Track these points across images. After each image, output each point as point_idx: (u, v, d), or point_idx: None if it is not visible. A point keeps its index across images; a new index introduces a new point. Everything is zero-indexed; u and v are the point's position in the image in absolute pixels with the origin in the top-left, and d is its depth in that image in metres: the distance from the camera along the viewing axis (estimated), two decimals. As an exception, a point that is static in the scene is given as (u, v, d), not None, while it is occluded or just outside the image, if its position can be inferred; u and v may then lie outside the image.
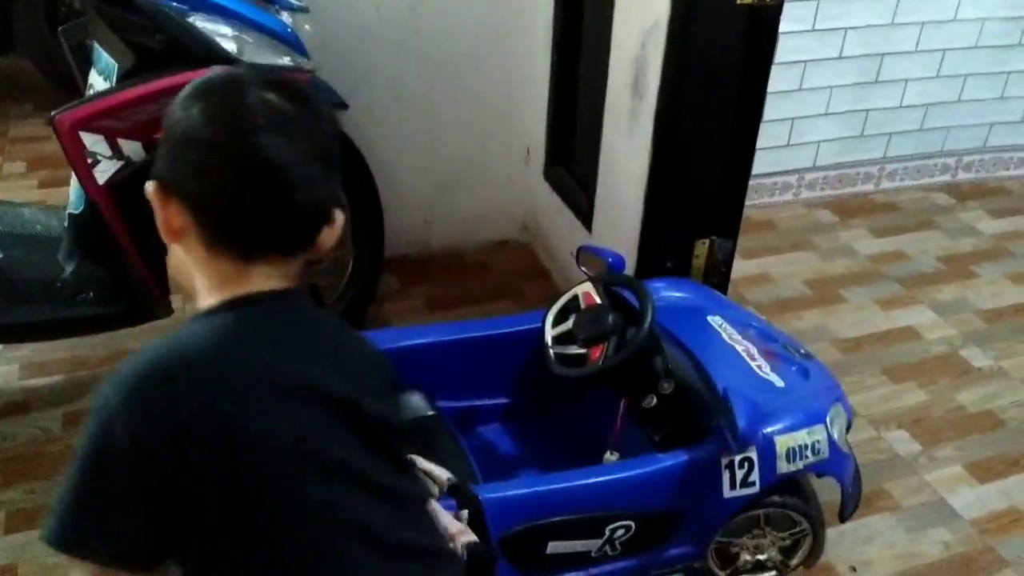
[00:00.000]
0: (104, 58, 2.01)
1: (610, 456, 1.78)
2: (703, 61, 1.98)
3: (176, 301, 2.34)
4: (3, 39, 3.91)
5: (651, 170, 2.12)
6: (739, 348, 1.92)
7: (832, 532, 1.97)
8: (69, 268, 2.15)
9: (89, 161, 1.90)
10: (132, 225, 2.00)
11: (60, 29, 2.25)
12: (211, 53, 1.92)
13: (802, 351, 2.01)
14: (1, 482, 2.13)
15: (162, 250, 2.16)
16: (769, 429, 1.69)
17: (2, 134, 3.81)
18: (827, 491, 1.91)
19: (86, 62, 2.14)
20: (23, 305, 2.16)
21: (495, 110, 2.91)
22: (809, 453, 1.73)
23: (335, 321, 1.22)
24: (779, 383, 1.83)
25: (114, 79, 1.97)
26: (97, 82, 2.05)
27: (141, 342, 2.57)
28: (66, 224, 2.17)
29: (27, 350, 2.52)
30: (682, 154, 2.10)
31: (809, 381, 1.88)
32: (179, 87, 1.90)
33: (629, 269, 2.13)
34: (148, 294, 2.19)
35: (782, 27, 2.94)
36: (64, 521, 0.94)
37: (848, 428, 1.86)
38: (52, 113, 1.90)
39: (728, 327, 1.99)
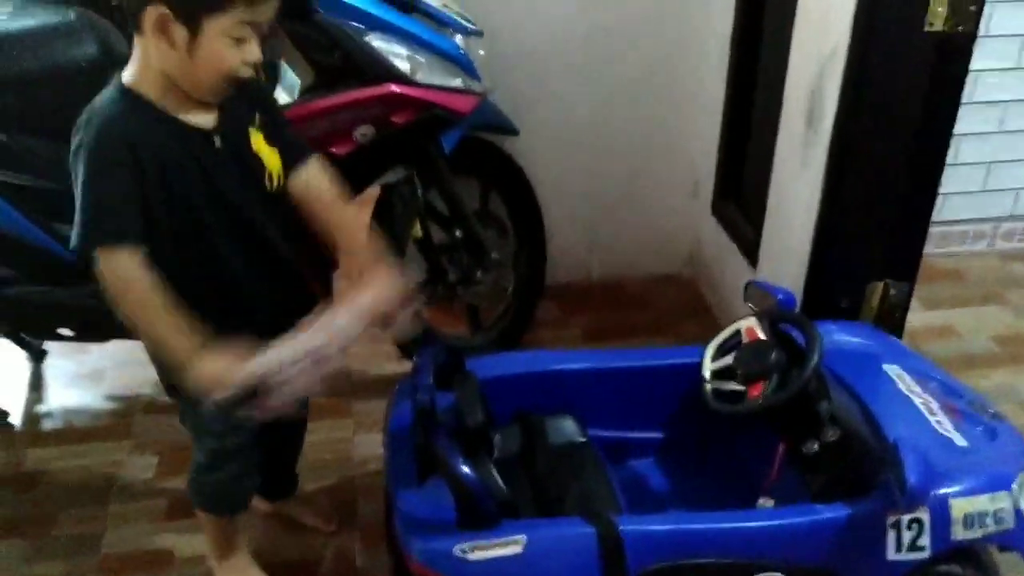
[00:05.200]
0: (289, 75, 2.11)
1: (764, 502, 1.67)
2: (884, 92, 1.87)
3: (339, 313, 2.43)
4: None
5: (822, 205, 2.01)
6: (917, 400, 1.76)
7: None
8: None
9: (268, 172, 1.99)
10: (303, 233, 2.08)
11: (256, 47, 2.39)
12: (385, 71, 1.98)
13: (991, 410, 1.83)
14: (168, 471, 2.26)
15: (329, 265, 2.28)
16: (944, 490, 1.54)
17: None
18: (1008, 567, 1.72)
19: (275, 79, 2.26)
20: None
21: (664, 140, 2.86)
22: (990, 521, 1.55)
23: None
24: (960, 442, 1.66)
25: (296, 94, 2.07)
26: (281, 97, 2.15)
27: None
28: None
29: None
30: (857, 190, 1.98)
31: (996, 443, 1.70)
32: (352, 103, 2.01)
33: (797, 307, 2.02)
34: (316, 305, 2.26)
35: (981, 64, 2.79)
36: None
37: (1041, 499, 1.67)
38: (238, 125, 2.00)
39: (907, 377, 1.83)
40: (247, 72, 1.44)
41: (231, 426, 1.65)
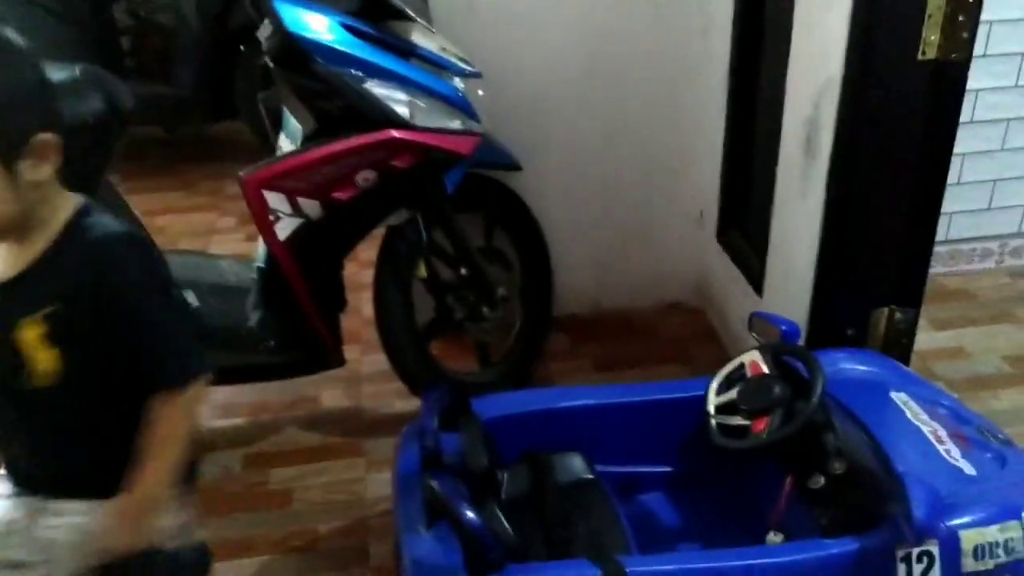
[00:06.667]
0: (291, 123, 2.15)
1: (773, 536, 1.66)
2: (880, 120, 1.88)
3: (349, 352, 2.45)
4: (226, 106, 4.30)
5: (823, 234, 2.02)
6: (925, 429, 1.76)
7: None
8: (254, 318, 2.27)
9: (271, 218, 2.03)
10: (309, 279, 2.10)
11: (259, 95, 2.42)
12: (385, 117, 2.01)
13: (1000, 436, 1.82)
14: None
15: (336, 306, 2.29)
16: (954, 521, 1.53)
17: (219, 191, 4.08)
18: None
19: (278, 126, 2.29)
20: (213, 350, 2.31)
21: (668, 172, 2.88)
22: (1001, 552, 1.54)
23: None
24: (969, 470, 1.66)
25: (299, 142, 2.10)
26: (285, 144, 2.19)
27: (320, 389, 2.69)
28: (254, 276, 2.32)
29: (219, 393, 2.60)
30: (857, 218, 1.99)
31: (1006, 470, 1.69)
32: (354, 149, 2.04)
33: (803, 337, 2.02)
34: (323, 345, 2.29)
35: (981, 83, 2.80)
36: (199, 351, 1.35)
37: (1053, 527, 1.66)
38: (240, 173, 2.04)
39: (914, 405, 1.83)
40: None
41: None
